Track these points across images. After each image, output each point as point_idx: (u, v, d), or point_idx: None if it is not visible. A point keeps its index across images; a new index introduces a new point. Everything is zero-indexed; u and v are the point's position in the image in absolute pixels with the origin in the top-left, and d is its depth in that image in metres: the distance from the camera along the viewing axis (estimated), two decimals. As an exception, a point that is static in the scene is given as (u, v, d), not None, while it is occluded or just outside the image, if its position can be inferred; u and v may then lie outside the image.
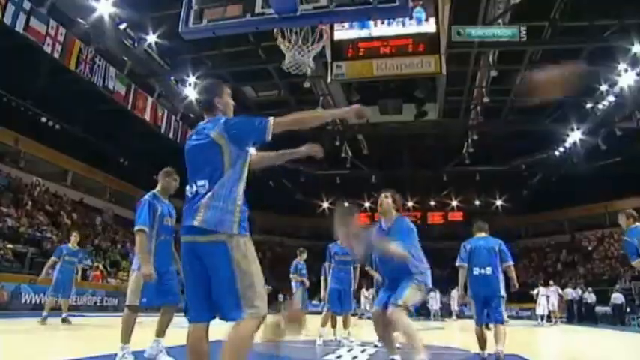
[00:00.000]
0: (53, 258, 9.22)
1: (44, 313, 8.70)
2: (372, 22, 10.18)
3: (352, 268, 7.29)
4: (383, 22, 10.40)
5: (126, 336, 4.25)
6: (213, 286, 2.38)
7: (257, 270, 2.41)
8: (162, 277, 4.37)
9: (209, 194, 2.41)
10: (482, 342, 5.30)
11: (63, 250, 9.34)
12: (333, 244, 7.32)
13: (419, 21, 10.18)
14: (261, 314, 2.37)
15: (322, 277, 7.83)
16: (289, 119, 2.62)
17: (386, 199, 4.50)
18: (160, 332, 4.49)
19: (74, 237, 9.80)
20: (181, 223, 2.53)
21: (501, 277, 5.30)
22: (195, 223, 2.37)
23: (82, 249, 10.05)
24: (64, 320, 8.87)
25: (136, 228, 4.32)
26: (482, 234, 5.62)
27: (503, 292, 5.27)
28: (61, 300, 9.20)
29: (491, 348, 5.23)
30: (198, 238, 2.40)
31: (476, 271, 5.32)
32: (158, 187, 4.65)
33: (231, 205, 2.43)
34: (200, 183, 2.48)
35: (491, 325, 5.26)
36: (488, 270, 5.25)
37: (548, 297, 18.55)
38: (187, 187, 2.56)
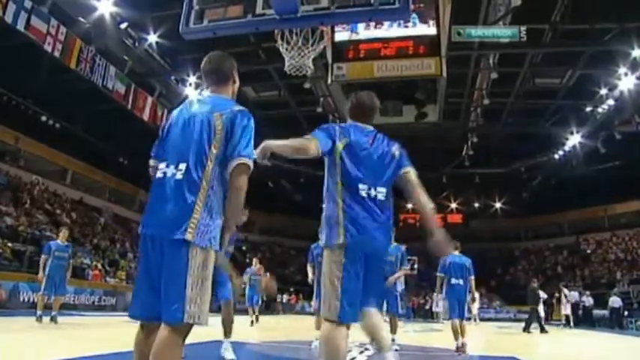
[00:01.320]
0: (44, 256, 8.99)
1: (38, 312, 8.59)
2: (360, 25, 10.17)
3: None
4: (377, 25, 10.40)
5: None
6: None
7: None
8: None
9: (201, 200, 2.14)
10: (457, 333, 6.78)
11: (52, 247, 9.06)
12: (316, 245, 6.98)
13: (414, 25, 10.20)
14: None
15: (310, 280, 7.72)
16: (241, 186, 2.18)
17: None
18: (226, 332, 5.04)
19: (63, 233, 9.54)
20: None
21: (468, 286, 6.97)
22: (188, 237, 2.11)
23: (70, 244, 9.77)
24: (53, 319, 8.64)
25: None
26: (456, 252, 7.04)
27: (468, 298, 7.04)
28: (54, 298, 8.98)
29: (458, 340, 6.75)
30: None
31: (453, 281, 6.92)
32: None
33: (218, 221, 2.21)
34: (181, 166, 2.20)
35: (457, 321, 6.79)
36: (461, 281, 6.91)
37: (545, 300, 18.56)
38: (162, 165, 2.27)
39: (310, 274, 7.37)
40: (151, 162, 2.39)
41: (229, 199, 2.20)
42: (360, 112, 3.01)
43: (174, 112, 2.44)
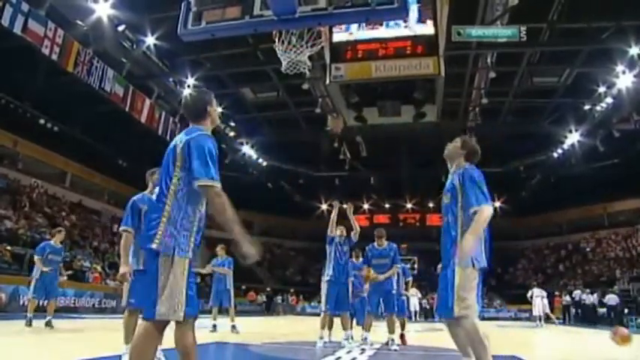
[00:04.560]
0: (38, 257, 8.62)
1: (28, 315, 8.24)
2: (353, 25, 10.16)
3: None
4: (372, 26, 10.40)
5: (126, 336, 4.29)
6: None
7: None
8: None
9: (165, 217, 2.52)
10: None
11: (46, 249, 8.67)
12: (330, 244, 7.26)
13: (419, 23, 10.18)
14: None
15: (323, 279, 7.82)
16: (222, 205, 2.49)
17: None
18: None
19: (60, 235, 9.08)
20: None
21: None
22: (154, 246, 2.49)
23: (62, 247, 9.27)
24: (48, 324, 8.30)
25: (120, 229, 4.52)
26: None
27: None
28: (48, 302, 8.70)
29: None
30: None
31: None
32: (148, 188, 4.67)
33: (185, 232, 2.54)
34: (155, 190, 2.70)
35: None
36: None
37: (542, 298, 18.58)
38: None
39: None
40: None
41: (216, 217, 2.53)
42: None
43: None
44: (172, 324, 2.53)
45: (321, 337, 6.97)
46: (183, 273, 2.51)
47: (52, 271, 8.68)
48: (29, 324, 8.12)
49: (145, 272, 2.64)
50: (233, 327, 9.51)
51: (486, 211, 3.19)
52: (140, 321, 2.55)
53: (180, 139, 2.65)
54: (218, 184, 2.50)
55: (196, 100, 2.87)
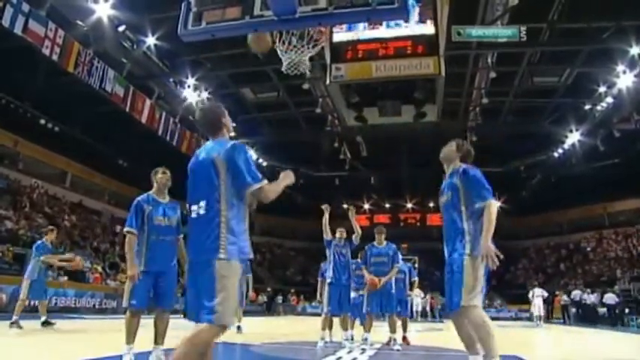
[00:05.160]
0: (38, 257, 8.43)
1: (14, 317, 7.93)
2: (360, 25, 10.17)
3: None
4: (374, 25, 10.40)
5: (127, 337, 4.29)
6: None
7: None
8: (157, 279, 4.37)
9: (223, 227, 2.62)
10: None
11: (41, 250, 8.54)
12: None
13: (420, 22, 10.17)
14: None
15: (320, 279, 7.87)
16: (273, 191, 2.80)
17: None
18: (157, 339, 4.36)
19: (51, 233, 8.97)
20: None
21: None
22: (222, 256, 2.58)
23: (53, 246, 9.11)
24: (45, 323, 8.20)
25: (124, 230, 4.51)
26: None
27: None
28: (39, 302, 8.57)
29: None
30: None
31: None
32: (153, 188, 4.67)
33: (242, 235, 2.70)
34: (201, 204, 2.69)
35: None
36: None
37: (545, 298, 18.59)
38: (192, 207, 2.75)
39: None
40: (187, 208, 2.89)
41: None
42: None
43: (190, 164, 2.89)
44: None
45: (322, 338, 6.98)
46: (237, 278, 2.63)
47: (47, 272, 8.64)
48: (18, 325, 7.85)
49: (197, 278, 2.64)
50: (238, 327, 9.62)
51: (493, 205, 3.44)
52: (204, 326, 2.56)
53: (213, 150, 2.76)
54: (265, 180, 2.74)
55: (210, 115, 2.97)
